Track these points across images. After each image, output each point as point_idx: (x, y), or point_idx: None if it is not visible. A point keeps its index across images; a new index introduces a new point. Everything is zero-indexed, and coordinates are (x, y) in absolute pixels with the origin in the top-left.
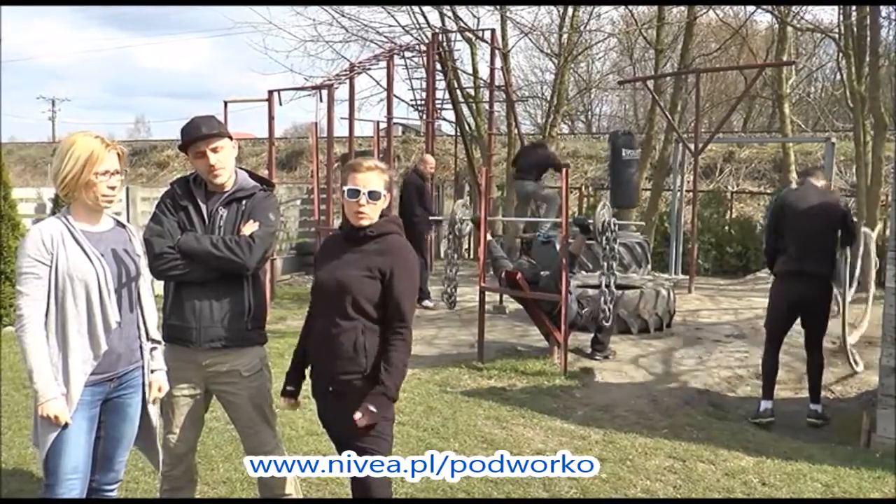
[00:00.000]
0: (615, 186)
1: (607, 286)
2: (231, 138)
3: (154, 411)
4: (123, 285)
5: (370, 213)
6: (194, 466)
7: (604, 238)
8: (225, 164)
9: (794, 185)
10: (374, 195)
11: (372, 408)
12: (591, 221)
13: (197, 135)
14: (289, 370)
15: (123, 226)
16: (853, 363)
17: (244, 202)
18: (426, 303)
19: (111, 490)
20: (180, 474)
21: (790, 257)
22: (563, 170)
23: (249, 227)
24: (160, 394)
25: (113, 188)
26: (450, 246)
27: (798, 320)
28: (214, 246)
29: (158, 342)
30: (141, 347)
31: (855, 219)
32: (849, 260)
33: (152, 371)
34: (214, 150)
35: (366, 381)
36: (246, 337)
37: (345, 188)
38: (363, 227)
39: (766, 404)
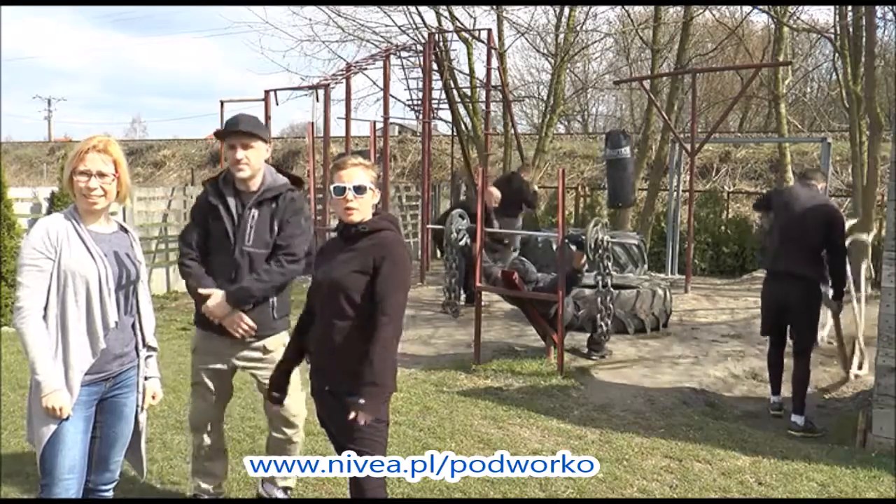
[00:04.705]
0: (608, 186)
1: (603, 304)
2: (266, 141)
3: (143, 418)
4: (122, 287)
5: (359, 208)
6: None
7: (596, 256)
8: (250, 162)
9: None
10: (359, 189)
11: (361, 401)
12: (583, 238)
13: (232, 128)
14: (273, 374)
15: (126, 231)
16: (852, 365)
17: (274, 204)
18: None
19: (107, 490)
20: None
21: (776, 256)
22: (535, 197)
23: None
24: (154, 401)
25: (91, 189)
26: (447, 256)
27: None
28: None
29: (154, 349)
30: (136, 349)
31: (846, 224)
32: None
33: (147, 378)
34: (244, 147)
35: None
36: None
37: (331, 187)
38: (355, 224)
39: (773, 398)
